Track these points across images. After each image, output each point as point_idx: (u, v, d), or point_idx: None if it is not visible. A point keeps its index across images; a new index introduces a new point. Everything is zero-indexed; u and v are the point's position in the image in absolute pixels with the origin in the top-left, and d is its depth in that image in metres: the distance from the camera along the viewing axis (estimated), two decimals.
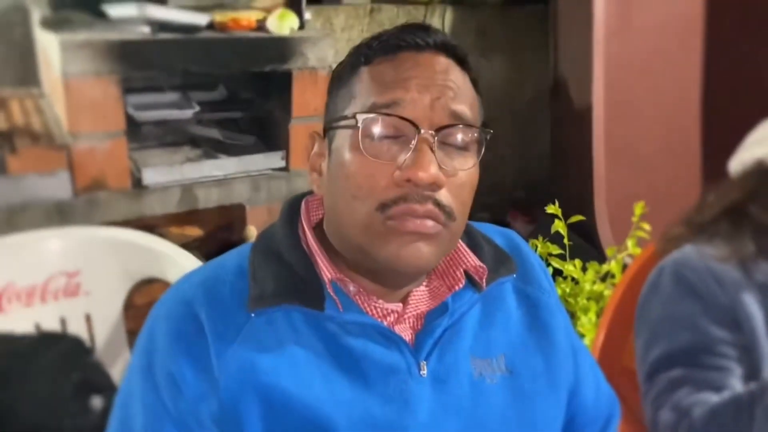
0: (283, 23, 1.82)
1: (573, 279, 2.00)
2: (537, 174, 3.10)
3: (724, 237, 1.11)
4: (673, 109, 2.65)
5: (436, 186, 0.71)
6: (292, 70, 1.83)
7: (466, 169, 0.74)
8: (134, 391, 0.76)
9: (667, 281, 1.12)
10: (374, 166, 0.71)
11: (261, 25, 1.84)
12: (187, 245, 1.73)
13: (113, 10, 1.68)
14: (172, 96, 1.90)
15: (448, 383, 0.78)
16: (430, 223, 0.71)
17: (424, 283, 0.82)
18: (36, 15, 1.84)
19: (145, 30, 1.67)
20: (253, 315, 0.74)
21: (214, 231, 1.79)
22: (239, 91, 2.07)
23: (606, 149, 2.44)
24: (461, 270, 0.81)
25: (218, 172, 1.83)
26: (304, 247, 0.79)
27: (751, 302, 1.06)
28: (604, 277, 1.96)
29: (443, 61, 0.75)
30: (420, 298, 0.81)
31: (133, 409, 0.75)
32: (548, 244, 1.94)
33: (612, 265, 1.91)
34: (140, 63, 1.65)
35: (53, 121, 1.74)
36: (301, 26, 1.93)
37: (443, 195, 0.72)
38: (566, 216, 2.67)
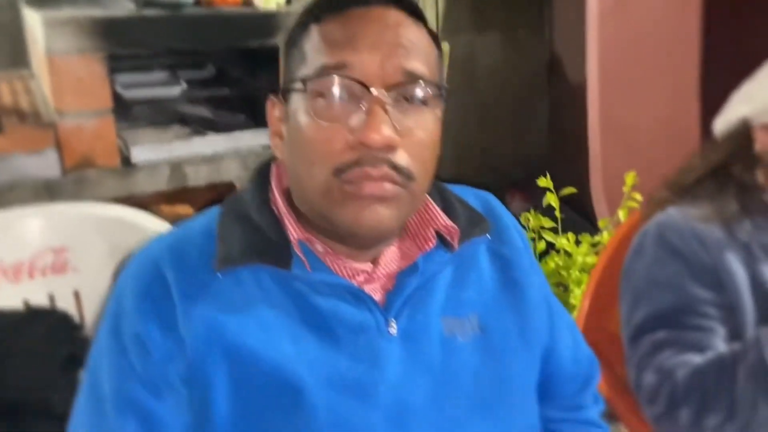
0: None
1: (567, 252, 2.00)
2: (536, 153, 3.08)
3: (708, 197, 1.10)
4: (671, 85, 2.63)
5: (389, 148, 0.70)
6: (279, 45, 1.82)
7: (423, 127, 0.73)
8: (103, 354, 0.76)
9: (651, 243, 1.11)
10: (328, 131, 0.70)
11: (248, 1, 1.83)
12: (179, 223, 1.72)
13: None
14: (160, 74, 1.89)
15: (418, 341, 0.78)
16: (387, 185, 0.71)
17: (396, 244, 0.81)
18: None
19: (130, 6, 1.66)
20: (219, 275, 0.74)
21: (204, 208, 1.77)
22: (228, 69, 2.06)
23: (601, 125, 2.42)
24: (432, 230, 0.81)
25: (207, 150, 1.83)
26: (273, 209, 0.79)
27: (734, 261, 1.05)
28: (598, 250, 1.95)
29: (394, 16, 0.73)
30: (390, 258, 0.80)
31: (102, 371, 0.75)
32: (540, 217, 1.94)
33: (604, 236, 1.90)
34: (125, 40, 1.64)
35: (41, 100, 1.74)
36: (289, 1, 1.92)
37: (400, 156, 0.71)
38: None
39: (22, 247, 1.40)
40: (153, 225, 1.44)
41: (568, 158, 2.71)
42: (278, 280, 0.75)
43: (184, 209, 1.84)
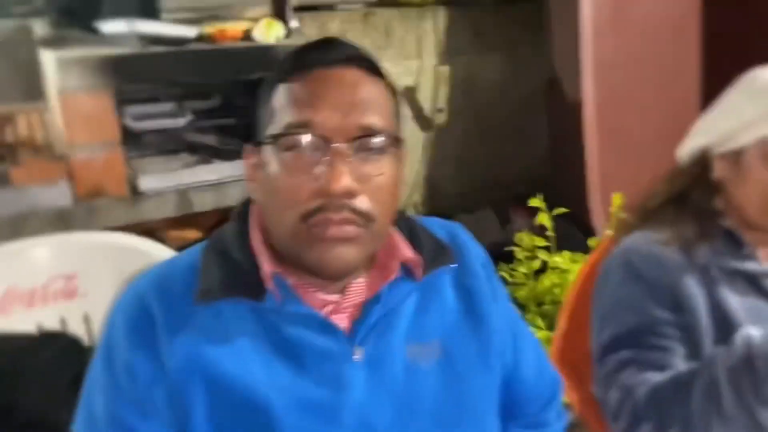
0: (268, 32, 1.91)
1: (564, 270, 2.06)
2: (538, 169, 3.15)
3: (669, 222, 1.16)
4: (670, 101, 2.67)
5: (350, 194, 0.78)
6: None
7: (381, 174, 0.81)
8: (97, 380, 0.84)
9: (616, 267, 1.18)
10: (295, 181, 0.79)
11: (248, 35, 1.93)
12: (186, 247, 1.81)
13: (106, 27, 1.78)
14: (167, 105, 1.99)
15: (382, 367, 0.85)
16: (349, 228, 0.79)
17: (364, 275, 0.89)
18: (39, 33, 1.95)
19: (136, 45, 1.76)
20: (200, 307, 0.82)
21: (210, 232, 1.87)
22: (233, 99, 2.15)
23: (599, 142, 2.48)
24: (396, 262, 0.88)
25: (213, 177, 1.92)
26: (251, 245, 0.87)
27: (692, 284, 1.11)
28: None
29: (353, 75, 0.81)
30: (357, 289, 0.88)
31: (96, 396, 0.84)
32: (534, 236, 2.00)
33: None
34: (132, 76, 1.74)
35: (55, 133, 1.84)
36: (288, 35, 2.01)
37: (360, 200, 0.79)
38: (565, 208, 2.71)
39: (35, 274, 1.50)
40: (157, 251, 1.53)
41: (570, 175, 2.77)
42: (253, 312, 0.83)
43: (191, 233, 1.93)
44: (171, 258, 0.91)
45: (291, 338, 0.83)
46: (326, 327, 0.83)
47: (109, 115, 1.76)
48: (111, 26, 1.77)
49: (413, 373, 0.87)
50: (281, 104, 0.81)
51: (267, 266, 0.83)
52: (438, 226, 0.99)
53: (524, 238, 2.00)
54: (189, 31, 1.83)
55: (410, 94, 2.85)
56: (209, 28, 1.87)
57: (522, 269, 2.01)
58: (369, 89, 0.82)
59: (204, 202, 1.91)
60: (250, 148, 0.87)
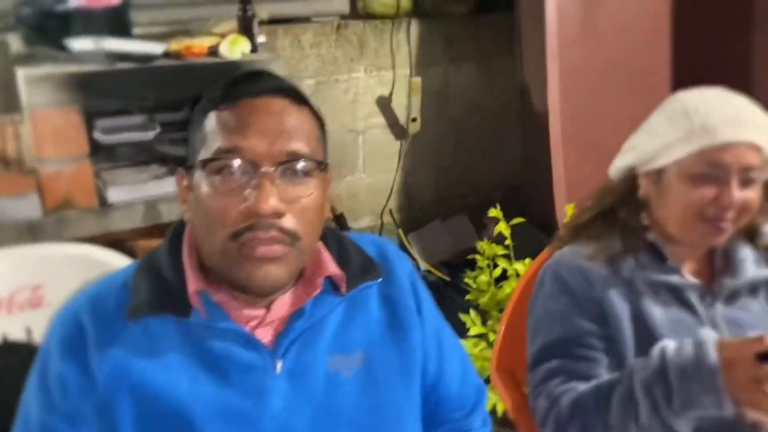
0: (234, 48, 1.96)
1: None
2: (513, 177, 3.20)
3: (596, 237, 1.22)
4: (641, 108, 2.70)
5: (277, 215, 0.83)
6: None
7: (307, 195, 0.87)
8: (32, 389, 0.90)
9: (548, 279, 1.23)
10: (225, 202, 0.84)
11: (214, 51, 1.98)
12: None
13: (74, 44, 1.83)
14: (138, 118, 2.04)
15: (303, 378, 0.90)
16: (276, 247, 0.84)
17: (291, 290, 0.94)
18: (14, 47, 2.00)
19: (104, 61, 1.81)
20: (130, 323, 0.88)
21: None
22: None
23: (565, 151, 2.52)
24: (321, 278, 0.94)
25: None
26: (183, 263, 0.92)
27: (616, 296, 1.17)
28: None
29: (279, 104, 0.87)
30: (282, 303, 0.93)
31: (31, 405, 0.89)
32: (493, 245, 2.06)
33: None
34: (99, 92, 1.80)
35: (25, 147, 1.90)
36: (254, 50, 2.06)
37: (287, 220, 0.84)
38: (537, 217, 2.77)
39: (3, 285, 1.55)
40: (119, 261, 1.57)
41: (541, 183, 2.82)
42: (180, 327, 0.89)
43: (158, 243, 1.98)
44: (107, 276, 0.96)
45: (216, 352, 0.88)
46: (249, 341, 0.89)
47: (77, 130, 1.81)
48: (79, 43, 1.82)
49: (334, 383, 0.92)
50: (212, 131, 0.86)
51: (192, 284, 0.89)
52: (368, 243, 1.04)
53: (485, 246, 2.05)
54: (155, 48, 1.88)
55: (384, 104, 2.91)
56: (176, 45, 1.92)
57: (483, 277, 2.06)
58: (294, 117, 0.88)
59: (172, 213, 1.97)
60: (183, 171, 0.92)
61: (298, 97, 0.90)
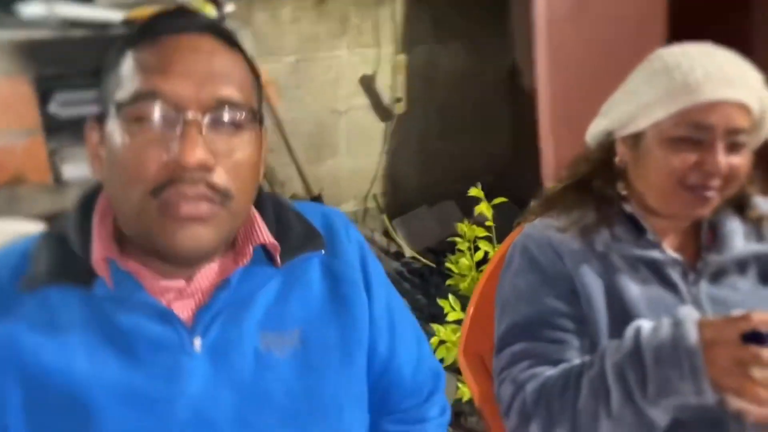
0: None
1: None
2: (501, 159, 3.09)
3: (569, 208, 1.11)
4: None
5: (205, 168, 0.72)
6: None
7: (240, 148, 0.75)
8: None
9: (516, 255, 1.12)
10: (143, 152, 0.72)
11: None
12: None
13: (25, 9, 1.72)
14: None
15: (227, 356, 0.80)
16: (204, 205, 0.73)
17: (218, 259, 0.83)
18: None
19: (57, 28, 1.71)
20: (26, 295, 0.77)
21: None
22: None
23: (554, 132, 2.43)
24: (250, 246, 0.83)
25: None
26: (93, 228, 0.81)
27: (589, 272, 1.06)
28: None
29: (207, 43, 0.76)
30: (205, 274, 0.83)
31: None
32: (474, 227, 1.95)
33: None
34: (51, 61, 1.69)
35: None
36: (222, 19, 1.96)
37: (218, 175, 0.73)
38: (525, 200, 2.64)
39: None
40: None
41: (530, 164, 2.72)
42: (84, 300, 0.78)
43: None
44: (8, 245, 0.86)
45: (123, 328, 0.77)
46: (164, 315, 0.78)
47: (28, 102, 1.71)
48: (30, 9, 1.71)
49: (264, 364, 0.81)
50: (128, 72, 0.74)
51: (99, 251, 0.78)
52: (314, 212, 0.94)
53: (465, 228, 1.94)
54: (114, 15, 1.78)
55: (368, 83, 2.80)
56: (136, 12, 1.81)
57: (465, 260, 1.96)
58: (226, 59, 0.76)
59: None
60: (93, 123, 0.80)
61: (230, 39, 0.79)
